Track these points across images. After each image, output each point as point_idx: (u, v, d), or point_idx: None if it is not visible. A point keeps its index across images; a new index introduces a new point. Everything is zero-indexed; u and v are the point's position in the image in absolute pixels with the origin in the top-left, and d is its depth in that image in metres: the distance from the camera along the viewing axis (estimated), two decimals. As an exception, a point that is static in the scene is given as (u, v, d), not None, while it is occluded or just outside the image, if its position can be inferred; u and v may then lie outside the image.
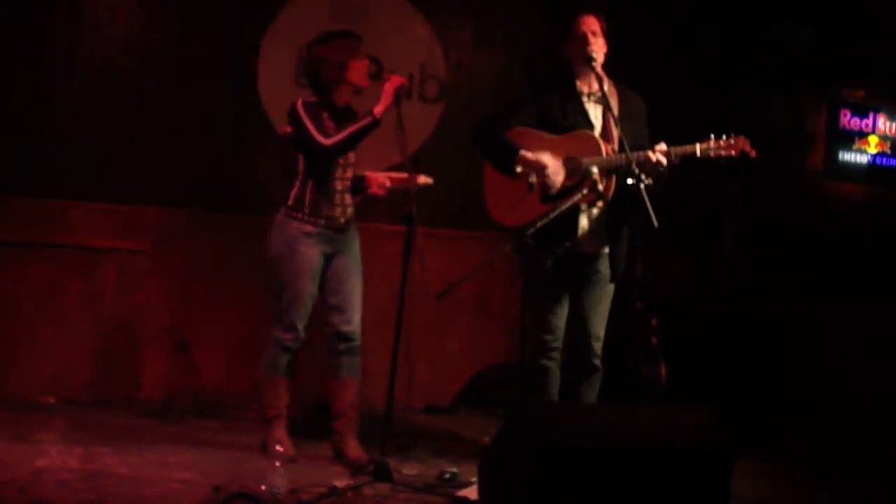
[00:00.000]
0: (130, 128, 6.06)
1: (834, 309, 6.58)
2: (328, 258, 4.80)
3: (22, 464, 4.31)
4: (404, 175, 4.78)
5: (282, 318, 4.76)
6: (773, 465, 5.42)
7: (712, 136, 4.42)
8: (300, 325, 4.77)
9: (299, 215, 4.72)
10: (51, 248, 5.89)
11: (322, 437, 4.98)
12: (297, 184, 4.73)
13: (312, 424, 5.30)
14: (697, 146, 4.43)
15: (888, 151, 7.44)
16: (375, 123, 4.62)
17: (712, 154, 4.41)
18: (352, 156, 4.81)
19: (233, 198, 6.16)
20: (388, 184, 4.91)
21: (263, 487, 4.01)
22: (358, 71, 4.76)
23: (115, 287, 6.00)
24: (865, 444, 5.81)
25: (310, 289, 4.75)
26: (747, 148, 4.41)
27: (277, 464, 4.19)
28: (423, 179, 4.86)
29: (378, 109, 4.61)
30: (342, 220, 4.80)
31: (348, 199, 4.83)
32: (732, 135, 4.41)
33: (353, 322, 4.84)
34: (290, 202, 4.73)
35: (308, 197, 4.72)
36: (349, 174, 4.84)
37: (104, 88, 6.03)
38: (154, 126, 6.08)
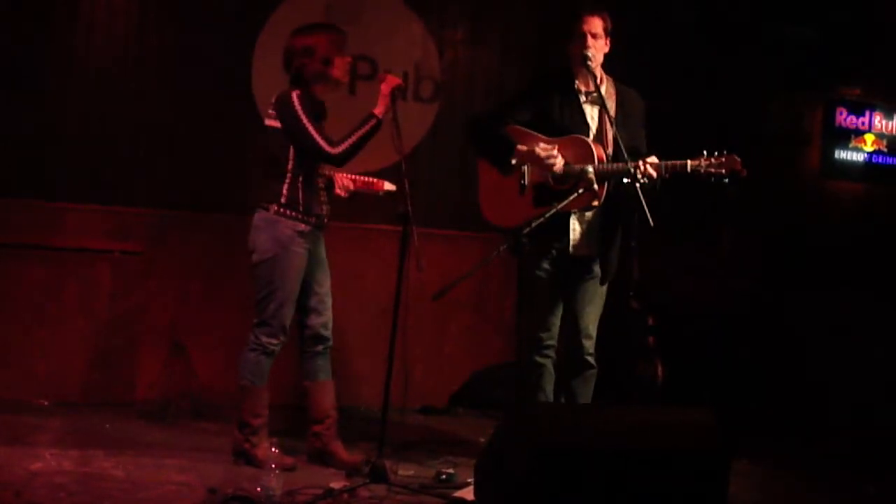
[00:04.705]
0: (126, 129, 6.04)
1: (831, 307, 6.58)
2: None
3: (16, 467, 4.30)
4: (368, 179, 4.77)
5: (269, 323, 4.61)
6: (769, 466, 5.41)
7: (704, 152, 4.40)
8: (287, 329, 4.66)
9: (293, 213, 4.57)
10: (47, 250, 5.86)
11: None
12: (288, 181, 4.57)
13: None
14: (689, 162, 4.42)
15: (884, 149, 7.45)
16: (378, 125, 4.57)
17: (703, 171, 4.40)
18: None
19: (229, 199, 6.14)
20: (350, 186, 4.81)
21: (259, 489, 4.01)
22: (341, 68, 4.67)
23: (110, 289, 5.98)
24: (864, 444, 5.80)
25: (298, 290, 4.65)
26: (738, 167, 4.39)
27: (273, 465, 4.18)
28: (387, 186, 4.80)
29: (378, 111, 4.56)
30: (325, 219, 4.72)
31: (326, 196, 4.74)
32: (724, 152, 4.39)
33: (330, 324, 4.78)
34: (283, 200, 4.56)
35: (301, 194, 4.58)
36: (325, 170, 4.73)
37: (99, 90, 6.00)
38: (149, 127, 6.06)
